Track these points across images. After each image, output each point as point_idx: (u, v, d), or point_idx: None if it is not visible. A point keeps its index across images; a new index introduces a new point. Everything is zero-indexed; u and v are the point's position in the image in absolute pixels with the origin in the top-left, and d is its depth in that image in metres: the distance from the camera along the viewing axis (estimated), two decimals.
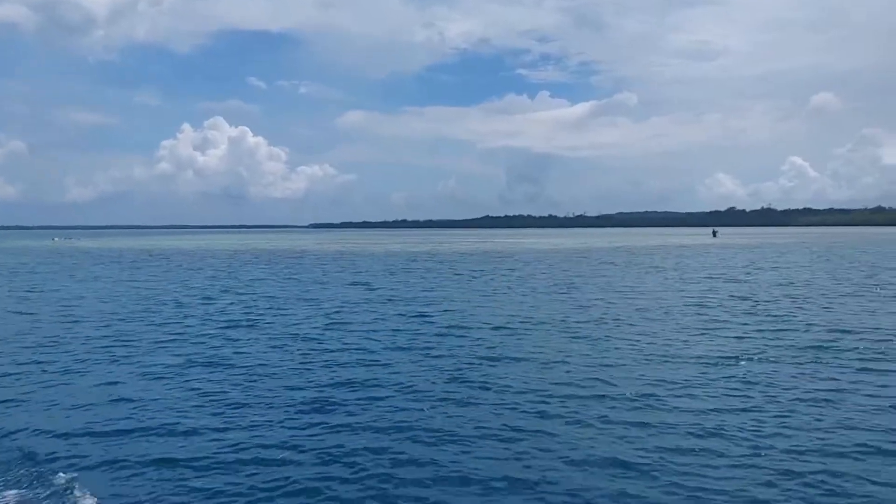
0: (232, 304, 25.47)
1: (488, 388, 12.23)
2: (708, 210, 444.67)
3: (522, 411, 10.76)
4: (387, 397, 11.75)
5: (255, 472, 8.45)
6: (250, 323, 20.53)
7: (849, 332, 17.81)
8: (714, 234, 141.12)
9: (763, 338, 16.98)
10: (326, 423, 10.28)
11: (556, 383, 12.49)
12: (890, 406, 10.77)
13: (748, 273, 39.65)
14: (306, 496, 7.76)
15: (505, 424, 10.09)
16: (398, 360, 14.84)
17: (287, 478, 8.20)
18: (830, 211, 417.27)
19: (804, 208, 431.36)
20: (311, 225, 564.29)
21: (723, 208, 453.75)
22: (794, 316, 20.93)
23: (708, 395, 11.51)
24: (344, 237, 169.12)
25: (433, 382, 12.77)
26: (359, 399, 11.65)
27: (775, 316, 20.93)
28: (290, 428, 10.11)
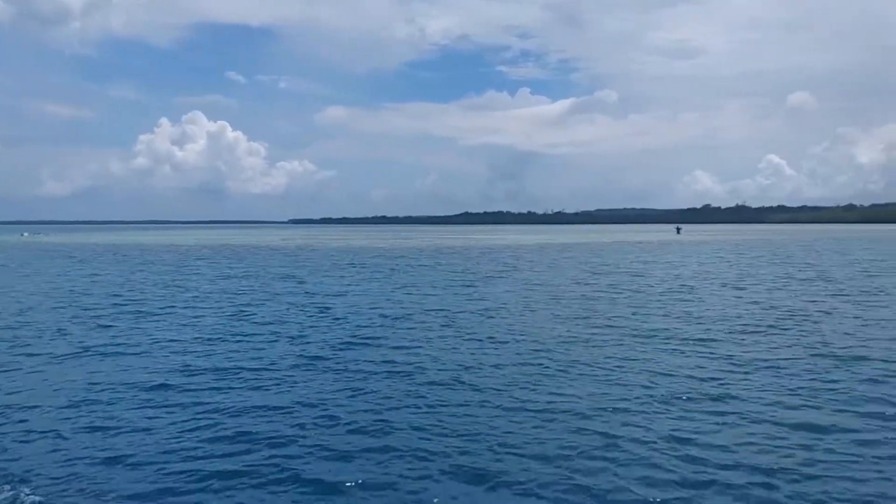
0: (158, 296, 26.83)
1: (328, 370, 13.73)
2: (684, 207, 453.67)
3: (338, 385, 12.34)
4: (236, 379, 13.11)
5: (87, 440, 9.85)
6: (160, 314, 21.97)
7: (695, 320, 19.75)
8: (678, 230, 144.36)
9: (611, 325, 18.80)
10: (161, 402, 11.41)
11: (385, 361, 14.19)
12: (647, 382, 12.50)
13: (665, 267, 41.78)
14: (113, 453, 9.29)
15: (319, 396, 11.69)
16: (270, 347, 16.22)
17: (100, 445, 9.58)
18: (803, 208, 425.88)
19: (778, 206, 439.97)
20: (290, 221, 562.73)
21: (698, 205, 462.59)
22: (664, 306, 22.84)
23: (513, 373, 13.20)
24: (316, 233, 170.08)
25: (292, 365, 14.16)
26: (208, 380, 12.86)
27: (644, 306, 22.85)
28: (131, 403, 11.50)
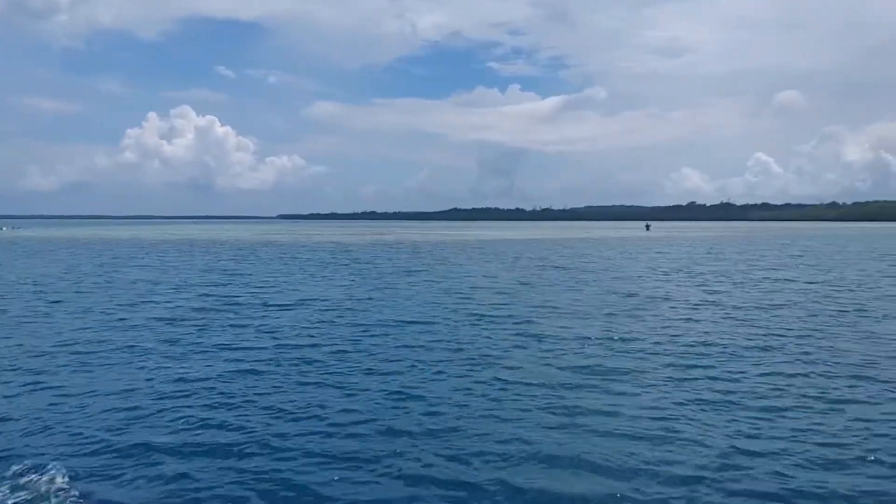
0: (79, 285, 28.70)
1: (190, 351, 15.54)
2: (671, 205, 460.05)
3: (169, 363, 14.40)
4: (104, 357, 14.90)
5: None
6: (66, 301, 23.70)
7: (549, 308, 21.94)
8: (647, 227, 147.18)
9: (469, 312, 20.80)
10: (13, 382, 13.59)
11: (227, 343, 16.21)
12: (446, 356, 14.69)
13: (587, 261, 44.08)
14: None
15: (147, 371, 13.70)
16: (138, 331, 17.76)
17: None
18: (787, 206, 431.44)
19: (762, 203, 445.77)
20: (279, 216, 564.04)
21: (684, 203, 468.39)
22: (536, 298, 25.02)
23: (328, 352, 15.30)
24: (294, 228, 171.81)
25: (146, 348, 15.87)
26: (74, 361, 14.71)
27: (516, 296, 25.04)
28: None
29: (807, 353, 14.51)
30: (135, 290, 27.03)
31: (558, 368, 13.18)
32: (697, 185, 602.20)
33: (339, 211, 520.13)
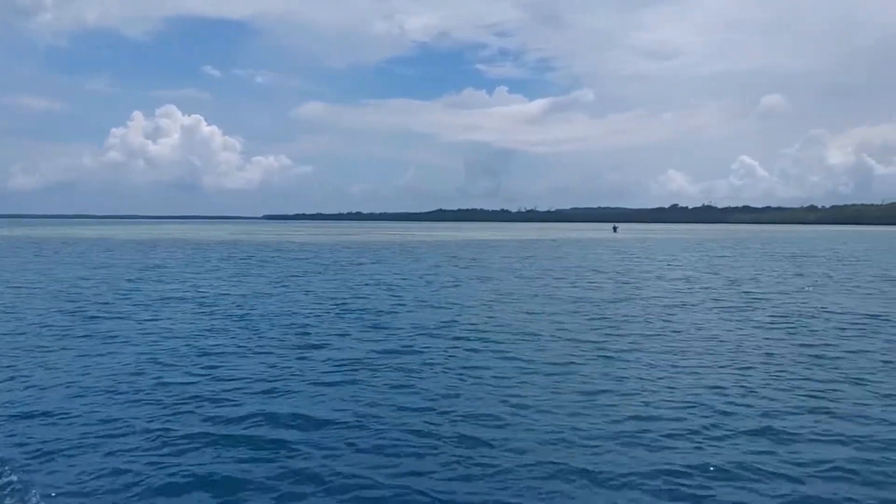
0: (22, 282, 30.53)
1: (91, 337, 17.66)
2: (655, 206, 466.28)
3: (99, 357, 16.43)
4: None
5: None
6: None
7: (416, 302, 23.99)
8: (615, 229, 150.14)
9: (345, 305, 22.93)
10: None
11: (112, 332, 18.24)
12: (298, 342, 16.73)
13: (512, 261, 46.29)
14: None
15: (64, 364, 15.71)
16: (54, 327, 19.88)
17: None
18: (767, 209, 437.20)
19: (743, 206, 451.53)
20: (264, 216, 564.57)
21: (667, 205, 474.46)
22: (436, 287, 27.11)
23: (190, 343, 17.34)
24: (267, 229, 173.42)
25: (66, 335, 18.10)
26: None
27: (406, 291, 27.12)
28: None
29: (595, 342, 16.42)
30: (51, 287, 28.74)
31: (368, 351, 14.98)
32: (682, 187, 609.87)
33: (326, 211, 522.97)
